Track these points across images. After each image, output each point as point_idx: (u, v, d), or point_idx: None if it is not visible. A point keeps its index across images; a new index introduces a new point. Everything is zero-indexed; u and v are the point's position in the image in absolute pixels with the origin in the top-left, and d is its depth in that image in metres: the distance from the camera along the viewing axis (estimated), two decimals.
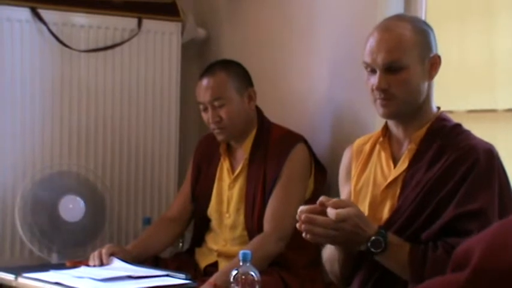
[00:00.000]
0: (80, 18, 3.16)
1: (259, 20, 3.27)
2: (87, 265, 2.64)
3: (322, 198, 1.92)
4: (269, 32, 3.21)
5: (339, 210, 1.87)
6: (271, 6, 3.20)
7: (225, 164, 2.84)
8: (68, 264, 2.71)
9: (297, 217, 1.91)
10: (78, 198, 2.97)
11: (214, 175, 2.86)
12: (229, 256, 2.70)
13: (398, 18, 2.14)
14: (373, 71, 2.05)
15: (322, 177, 2.77)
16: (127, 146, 3.27)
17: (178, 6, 3.35)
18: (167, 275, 2.48)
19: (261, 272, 2.01)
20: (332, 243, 1.97)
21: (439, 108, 2.12)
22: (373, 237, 1.90)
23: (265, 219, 2.67)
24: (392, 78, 2.01)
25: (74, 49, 3.12)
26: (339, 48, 2.90)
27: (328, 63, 2.94)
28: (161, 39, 3.32)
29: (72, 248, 2.96)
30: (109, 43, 3.21)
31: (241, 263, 2.00)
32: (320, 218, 1.88)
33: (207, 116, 2.77)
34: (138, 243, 2.82)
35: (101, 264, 2.62)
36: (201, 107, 2.79)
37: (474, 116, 2.62)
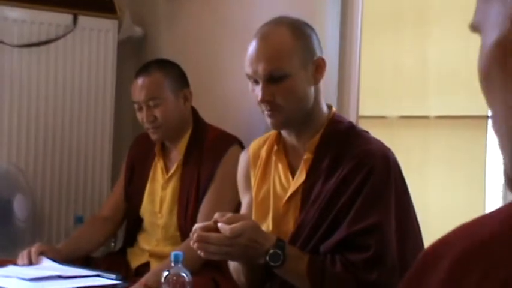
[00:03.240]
0: (13, 12, 3.08)
1: (198, 19, 3.25)
2: (15, 264, 2.57)
3: (216, 215, 1.86)
4: (207, 31, 3.20)
5: (232, 226, 1.81)
6: (210, 6, 3.19)
7: (159, 164, 2.82)
8: None
9: (190, 235, 1.85)
10: (21, 196, 2.91)
11: (148, 175, 2.84)
12: (162, 256, 2.68)
13: (276, 23, 2.02)
14: (256, 82, 1.96)
15: None
16: (60, 144, 3.22)
17: (115, 3, 3.32)
18: (98, 275, 2.44)
19: (193, 273, 1.98)
20: (228, 259, 1.93)
21: (330, 108, 2.05)
22: (272, 251, 1.84)
23: (198, 222, 2.64)
24: (275, 88, 1.93)
25: (6, 43, 3.06)
26: None
27: None
28: (97, 36, 3.28)
29: (14, 247, 2.88)
30: (43, 39, 3.15)
31: (172, 264, 1.99)
32: (213, 235, 1.82)
33: (141, 116, 2.75)
34: (69, 242, 2.77)
35: (30, 263, 2.56)
36: (136, 106, 2.77)
37: (406, 122, 2.66)
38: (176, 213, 2.73)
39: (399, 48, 2.68)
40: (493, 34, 0.64)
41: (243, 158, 2.17)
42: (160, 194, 2.79)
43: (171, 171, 2.78)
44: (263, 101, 1.94)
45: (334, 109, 2.06)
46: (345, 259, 1.86)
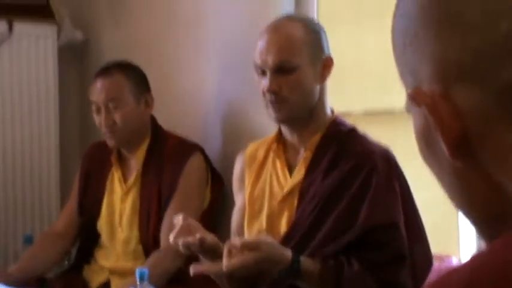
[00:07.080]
0: None
1: (143, 18, 3.13)
2: None
3: (234, 240, 1.74)
4: (154, 31, 3.08)
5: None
6: (156, 3, 3.07)
7: (116, 174, 2.69)
8: None
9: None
10: None
11: (105, 186, 2.71)
12: (123, 273, 2.56)
13: (289, 18, 2.07)
14: (264, 73, 1.97)
15: (218, 186, 2.68)
16: (2, 158, 3.07)
17: (52, 8, 3.18)
18: None
19: None
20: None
21: (333, 111, 2.07)
22: (285, 269, 1.74)
23: (162, 234, 2.54)
24: (283, 80, 1.94)
25: None
26: (228, 47, 2.81)
27: (218, 63, 2.85)
28: (35, 43, 3.14)
29: None
30: None
31: (138, 282, 1.92)
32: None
33: (99, 119, 2.60)
34: (21, 263, 2.62)
35: None
36: (94, 107, 2.61)
37: (372, 117, 2.61)
38: (137, 226, 2.62)
39: (360, 40, 2.62)
40: (416, 122, 0.71)
41: (239, 159, 2.16)
42: (119, 206, 2.67)
43: (130, 183, 2.66)
44: (269, 90, 1.94)
45: (336, 112, 2.08)
46: (361, 257, 1.82)
